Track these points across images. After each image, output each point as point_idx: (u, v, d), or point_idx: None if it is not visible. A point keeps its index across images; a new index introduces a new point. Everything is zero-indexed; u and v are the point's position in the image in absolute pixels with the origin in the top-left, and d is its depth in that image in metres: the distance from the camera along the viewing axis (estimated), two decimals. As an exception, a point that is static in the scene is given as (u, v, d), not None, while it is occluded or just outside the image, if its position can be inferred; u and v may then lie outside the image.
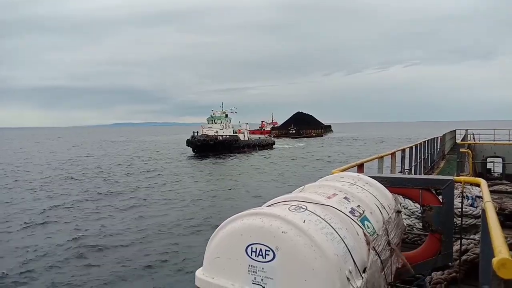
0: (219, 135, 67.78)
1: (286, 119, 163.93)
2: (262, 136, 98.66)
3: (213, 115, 75.23)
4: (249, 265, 2.35)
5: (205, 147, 63.92)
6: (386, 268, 3.05)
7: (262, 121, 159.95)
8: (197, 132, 67.89)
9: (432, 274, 4.35)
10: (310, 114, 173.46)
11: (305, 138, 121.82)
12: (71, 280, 12.98)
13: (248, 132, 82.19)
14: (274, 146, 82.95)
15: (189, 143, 66.48)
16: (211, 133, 68.00)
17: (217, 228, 2.59)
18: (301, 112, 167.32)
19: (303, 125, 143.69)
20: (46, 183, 34.81)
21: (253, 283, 2.33)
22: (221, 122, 73.32)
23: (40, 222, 20.51)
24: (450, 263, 4.25)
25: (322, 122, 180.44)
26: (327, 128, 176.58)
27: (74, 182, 35.28)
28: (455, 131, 34.28)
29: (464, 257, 4.54)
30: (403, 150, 11.70)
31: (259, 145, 78.22)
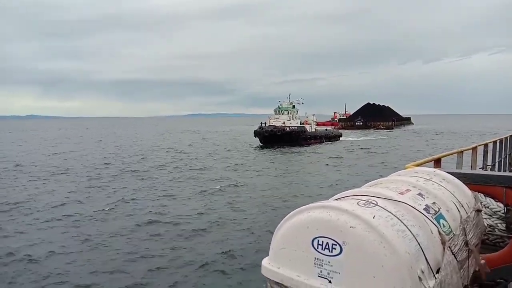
0: (287, 126, 67.70)
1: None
2: (329, 128, 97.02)
3: (280, 106, 75.29)
4: (315, 258, 2.33)
5: (273, 138, 64.20)
6: (462, 269, 2.86)
7: (334, 113, 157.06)
8: (265, 123, 68.45)
9: (516, 280, 4.00)
10: (386, 105, 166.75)
11: (373, 130, 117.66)
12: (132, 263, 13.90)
13: (314, 123, 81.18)
14: (341, 139, 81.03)
15: (256, 133, 67.14)
16: (278, 124, 68.14)
17: (284, 219, 2.60)
18: (373, 103, 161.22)
19: (374, 117, 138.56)
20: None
21: (319, 276, 2.31)
22: (288, 113, 73.18)
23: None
24: None
25: (400, 113, 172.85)
26: (406, 120, 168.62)
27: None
28: None
29: (555, 264, 4.10)
30: (486, 145, 10.84)
31: (326, 137, 76.94)
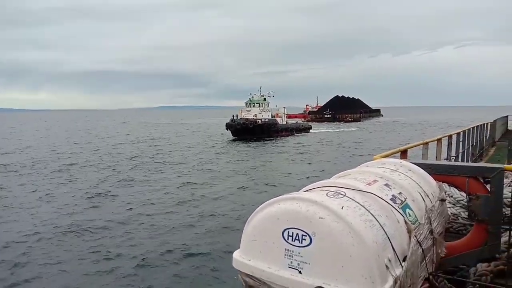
0: (258, 119, 67.76)
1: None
2: (299, 120, 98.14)
3: (251, 99, 75.27)
4: (285, 249, 2.35)
5: (245, 131, 64.07)
6: (427, 257, 2.95)
7: (306, 105, 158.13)
8: (237, 116, 68.20)
9: (477, 265, 4.17)
10: (356, 97, 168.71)
11: (341, 123, 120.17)
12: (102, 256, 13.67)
13: (285, 116, 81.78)
14: (310, 131, 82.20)
15: (228, 126, 66.73)
16: (250, 116, 68.08)
17: (254, 212, 2.60)
18: (342, 96, 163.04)
19: (342, 109, 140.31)
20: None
21: (289, 267, 2.33)
22: (259, 106, 73.34)
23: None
24: (497, 255, 4.05)
25: (371, 106, 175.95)
26: (375, 113, 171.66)
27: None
28: (507, 117, 32.42)
29: (513, 250, 4.31)
30: (450, 136, 11.23)
31: (296, 129, 77.78)
